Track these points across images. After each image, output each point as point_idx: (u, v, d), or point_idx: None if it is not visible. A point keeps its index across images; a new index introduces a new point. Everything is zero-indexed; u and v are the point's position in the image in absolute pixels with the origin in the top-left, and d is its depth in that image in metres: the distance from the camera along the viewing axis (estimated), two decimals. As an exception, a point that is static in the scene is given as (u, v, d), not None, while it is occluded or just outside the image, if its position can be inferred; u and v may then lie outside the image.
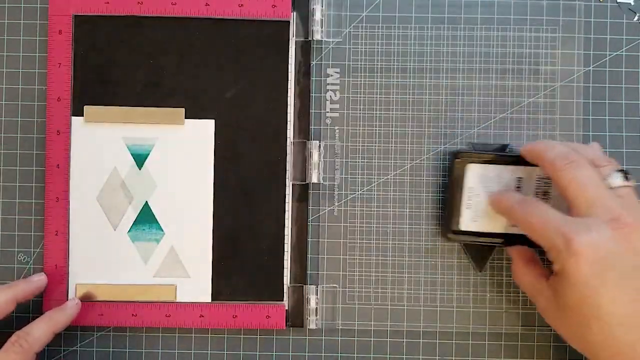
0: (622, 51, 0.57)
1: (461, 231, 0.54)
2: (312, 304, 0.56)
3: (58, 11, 0.55)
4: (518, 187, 0.53)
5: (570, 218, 0.46)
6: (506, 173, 0.53)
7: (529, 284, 0.51)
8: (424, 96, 0.57)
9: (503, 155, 0.54)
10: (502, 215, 0.52)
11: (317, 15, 0.56)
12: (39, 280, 0.54)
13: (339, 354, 0.56)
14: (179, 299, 0.55)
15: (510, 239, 0.54)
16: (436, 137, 0.57)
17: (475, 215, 0.54)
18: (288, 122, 0.56)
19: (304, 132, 0.56)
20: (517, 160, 0.53)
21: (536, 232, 0.48)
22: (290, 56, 0.56)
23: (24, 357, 0.49)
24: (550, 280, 0.49)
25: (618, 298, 0.44)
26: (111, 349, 0.56)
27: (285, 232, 0.56)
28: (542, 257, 0.53)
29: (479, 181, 0.53)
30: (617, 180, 0.47)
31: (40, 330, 0.51)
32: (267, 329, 0.56)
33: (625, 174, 0.48)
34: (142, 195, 0.56)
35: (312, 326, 0.56)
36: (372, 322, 0.56)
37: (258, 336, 0.56)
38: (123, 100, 0.55)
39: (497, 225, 0.54)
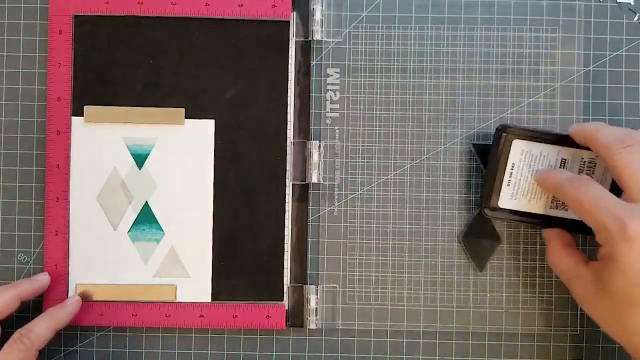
0: (622, 51, 0.57)
1: (499, 208, 0.54)
2: (312, 304, 0.56)
3: (58, 11, 0.55)
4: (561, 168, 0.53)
5: (625, 203, 0.45)
6: (551, 153, 0.53)
7: (566, 268, 0.50)
8: (424, 96, 0.56)
9: (550, 134, 0.53)
10: (550, 192, 0.52)
11: (317, 15, 0.56)
12: (43, 279, 0.54)
13: (339, 354, 0.56)
14: (179, 299, 0.55)
15: (548, 222, 0.54)
16: (436, 137, 0.57)
17: (515, 193, 0.53)
18: (288, 122, 0.56)
19: (304, 132, 0.56)
20: (563, 140, 0.52)
21: (587, 213, 0.46)
22: (290, 56, 0.56)
23: (27, 354, 0.49)
24: (594, 264, 0.48)
25: None
26: (111, 349, 0.56)
27: (285, 232, 0.56)
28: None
29: (523, 158, 0.53)
30: None
31: (41, 328, 0.51)
32: (267, 329, 0.56)
33: None
34: (142, 195, 0.56)
35: (312, 326, 0.56)
36: (372, 322, 0.56)
37: (258, 336, 0.56)
38: (123, 100, 0.55)
39: (536, 206, 0.53)
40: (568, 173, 0.50)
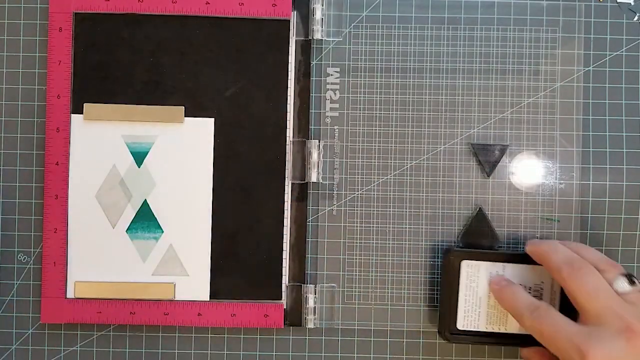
0: (622, 51, 0.57)
1: (459, 331, 0.53)
2: (311, 303, 0.56)
3: (58, 8, 0.55)
4: None
5: (583, 328, 0.46)
6: (501, 272, 0.53)
7: None
8: (423, 96, 0.57)
9: (496, 253, 0.54)
10: (508, 312, 0.51)
11: (318, 15, 0.56)
12: None
13: (339, 354, 0.56)
14: (177, 297, 0.55)
15: (511, 339, 0.53)
16: (436, 138, 0.56)
17: (473, 313, 0.53)
18: (288, 121, 0.56)
19: (303, 131, 0.56)
20: (510, 257, 0.53)
21: (548, 342, 0.47)
22: (290, 55, 0.56)
23: None
24: None
25: None
26: (111, 349, 0.56)
27: (284, 231, 0.56)
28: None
29: (473, 279, 0.53)
30: (624, 285, 0.47)
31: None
32: (266, 328, 0.56)
33: (630, 277, 0.47)
34: (141, 193, 0.55)
35: (311, 325, 0.56)
36: (372, 322, 0.56)
37: (258, 336, 0.56)
38: (123, 98, 0.55)
39: (497, 325, 0.53)
40: (525, 298, 0.50)
